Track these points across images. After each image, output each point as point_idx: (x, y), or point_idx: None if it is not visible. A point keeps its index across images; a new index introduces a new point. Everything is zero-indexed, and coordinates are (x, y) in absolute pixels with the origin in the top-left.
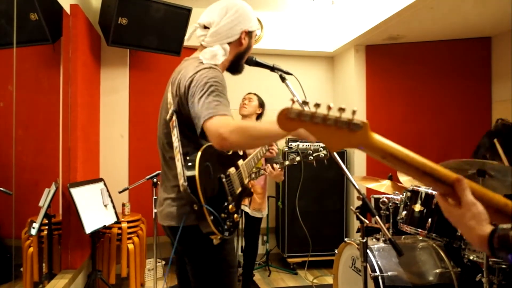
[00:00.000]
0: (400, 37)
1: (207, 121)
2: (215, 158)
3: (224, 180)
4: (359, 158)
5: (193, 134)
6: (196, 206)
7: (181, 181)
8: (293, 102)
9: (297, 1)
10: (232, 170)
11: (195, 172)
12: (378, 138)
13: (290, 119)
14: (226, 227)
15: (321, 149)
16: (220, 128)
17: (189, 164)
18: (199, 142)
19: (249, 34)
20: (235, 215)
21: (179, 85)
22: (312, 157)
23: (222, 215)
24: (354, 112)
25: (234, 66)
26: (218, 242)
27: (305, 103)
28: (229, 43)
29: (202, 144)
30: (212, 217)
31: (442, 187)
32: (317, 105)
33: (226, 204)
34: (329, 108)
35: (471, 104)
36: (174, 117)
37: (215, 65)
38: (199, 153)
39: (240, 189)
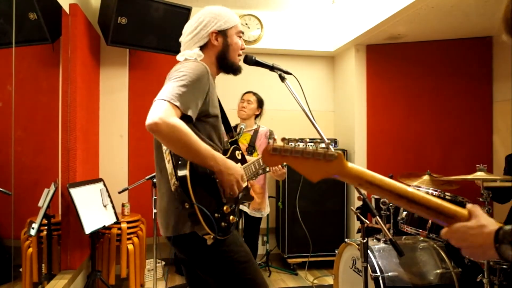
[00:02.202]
0: (401, 36)
1: (158, 101)
2: None
3: (218, 180)
4: (359, 158)
5: None
6: (188, 204)
7: (173, 180)
8: (274, 140)
9: (297, 0)
10: None
11: (186, 172)
12: (352, 166)
13: (272, 155)
14: (220, 227)
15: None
16: (162, 114)
17: (180, 163)
18: None
19: (221, 33)
20: (231, 217)
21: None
22: None
23: (216, 215)
24: (329, 144)
25: (225, 67)
26: (211, 242)
27: (284, 139)
28: (201, 48)
29: None
30: (203, 216)
31: (416, 208)
32: (295, 140)
33: (220, 204)
34: (306, 142)
35: (472, 104)
36: None
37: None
38: None
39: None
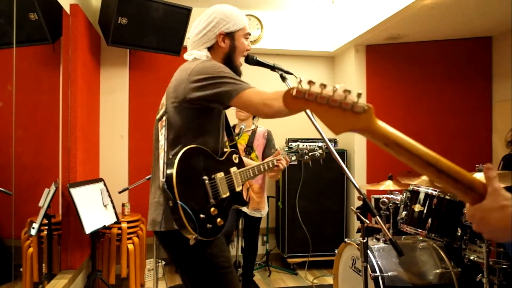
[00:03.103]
0: (401, 37)
1: (242, 93)
2: (202, 161)
3: (207, 182)
4: (359, 158)
5: (184, 135)
6: (171, 202)
7: (161, 178)
8: (300, 81)
9: (297, 0)
10: (219, 174)
11: (173, 170)
12: (381, 124)
13: (295, 98)
14: (205, 228)
15: (317, 148)
16: (261, 95)
17: (170, 162)
18: (187, 145)
19: (228, 35)
20: (218, 219)
21: (171, 87)
22: (307, 157)
23: (201, 215)
24: (359, 95)
25: (229, 69)
26: (193, 243)
27: (311, 82)
28: (208, 49)
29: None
30: (186, 215)
31: (446, 180)
32: (323, 85)
33: (206, 206)
34: (335, 89)
35: (471, 104)
36: (164, 118)
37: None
38: (181, 152)
39: (227, 194)
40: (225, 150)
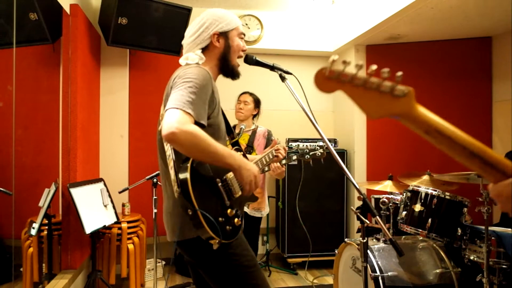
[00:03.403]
0: (401, 37)
1: (171, 110)
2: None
3: (220, 184)
4: (359, 158)
5: None
6: (191, 210)
7: (175, 187)
8: (333, 61)
9: (297, 0)
10: (229, 174)
11: (187, 175)
12: (423, 110)
13: (328, 79)
14: (225, 231)
15: (318, 147)
16: (178, 122)
17: (182, 168)
18: None
19: (222, 35)
20: (236, 219)
21: (164, 96)
22: (308, 156)
23: (220, 219)
24: (399, 77)
25: (225, 69)
26: (217, 247)
27: (345, 63)
28: (203, 50)
29: None
30: (207, 221)
31: (491, 173)
32: (359, 66)
33: (224, 208)
34: (371, 71)
35: (471, 104)
36: None
37: (200, 64)
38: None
39: (240, 193)
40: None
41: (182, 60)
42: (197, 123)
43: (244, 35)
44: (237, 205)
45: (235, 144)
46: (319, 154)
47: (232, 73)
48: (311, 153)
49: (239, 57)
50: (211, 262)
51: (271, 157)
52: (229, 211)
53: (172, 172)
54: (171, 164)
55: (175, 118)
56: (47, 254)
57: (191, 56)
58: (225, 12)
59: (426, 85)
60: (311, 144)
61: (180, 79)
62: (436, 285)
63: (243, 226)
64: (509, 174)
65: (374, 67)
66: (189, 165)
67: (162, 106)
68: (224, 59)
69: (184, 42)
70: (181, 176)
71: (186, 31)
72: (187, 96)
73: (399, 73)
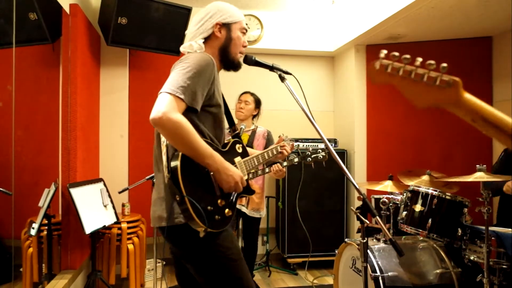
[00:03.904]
0: (401, 36)
1: (163, 94)
2: None
3: (212, 173)
4: (359, 158)
5: None
6: (178, 197)
7: (165, 173)
8: (384, 56)
9: (297, 0)
10: None
11: (178, 163)
12: (470, 98)
13: (379, 72)
14: (213, 220)
15: (320, 150)
16: (166, 108)
17: (174, 155)
18: None
19: (225, 26)
20: (226, 210)
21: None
22: (310, 159)
23: (209, 207)
24: (444, 68)
25: (226, 61)
26: (203, 235)
27: (394, 56)
28: (205, 39)
29: None
30: (194, 208)
31: None
32: (406, 59)
33: (213, 197)
34: (420, 63)
35: None
36: None
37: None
38: None
39: None
40: (228, 140)
41: (182, 48)
42: (190, 108)
43: (246, 30)
44: (230, 195)
45: (236, 137)
46: (321, 157)
47: (233, 64)
48: (313, 156)
49: (240, 52)
50: (195, 251)
51: (275, 152)
52: (219, 201)
53: (164, 158)
54: (164, 150)
55: (164, 103)
56: (47, 254)
57: (193, 44)
58: (231, 6)
59: None
60: (311, 144)
61: (180, 63)
62: (436, 285)
63: (243, 226)
64: None
65: (420, 59)
66: (180, 153)
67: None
68: (225, 50)
69: (187, 31)
70: (173, 163)
71: (191, 21)
72: (182, 81)
73: (444, 65)
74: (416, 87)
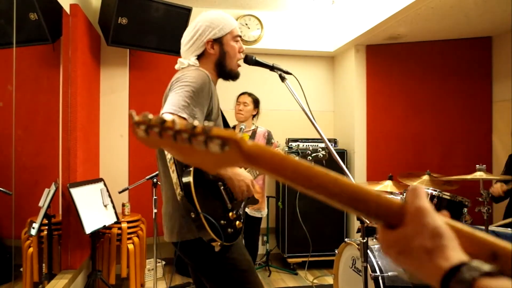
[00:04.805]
0: (401, 36)
1: (165, 114)
2: None
3: (222, 187)
4: (359, 158)
5: None
6: (194, 214)
7: (178, 190)
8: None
9: (297, 0)
10: None
11: (190, 179)
12: (256, 145)
13: (147, 139)
14: (227, 234)
15: (320, 149)
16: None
17: (185, 171)
18: None
19: (217, 41)
20: (237, 222)
21: (163, 100)
22: (310, 157)
23: (222, 222)
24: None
25: (223, 74)
26: (219, 249)
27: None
28: (199, 56)
29: None
30: (209, 224)
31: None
32: (160, 120)
33: (225, 211)
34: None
35: (471, 104)
36: None
37: (200, 67)
38: None
39: None
40: None
41: (177, 66)
42: None
43: (240, 36)
44: (239, 207)
45: None
46: (321, 156)
47: (230, 75)
48: (313, 155)
49: (238, 59)
50: (207, 264)
51: None
52: (230, 214)
53: (174, 175)
54: (172, 167)
55: None
56: (47, 254)
57: (186, 63)
58: (219, 15)
59: (426, 85)
60: (311, 144)
61: (178, 82)
62: None
63: (244, 226)
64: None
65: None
66: (192, 169)
67: (162, 109)
68: (220, 65)
69: (181, 50)
70: (185, 179)
71: (182, 38)
72: (182, 100)
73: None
74: (193, 153)
